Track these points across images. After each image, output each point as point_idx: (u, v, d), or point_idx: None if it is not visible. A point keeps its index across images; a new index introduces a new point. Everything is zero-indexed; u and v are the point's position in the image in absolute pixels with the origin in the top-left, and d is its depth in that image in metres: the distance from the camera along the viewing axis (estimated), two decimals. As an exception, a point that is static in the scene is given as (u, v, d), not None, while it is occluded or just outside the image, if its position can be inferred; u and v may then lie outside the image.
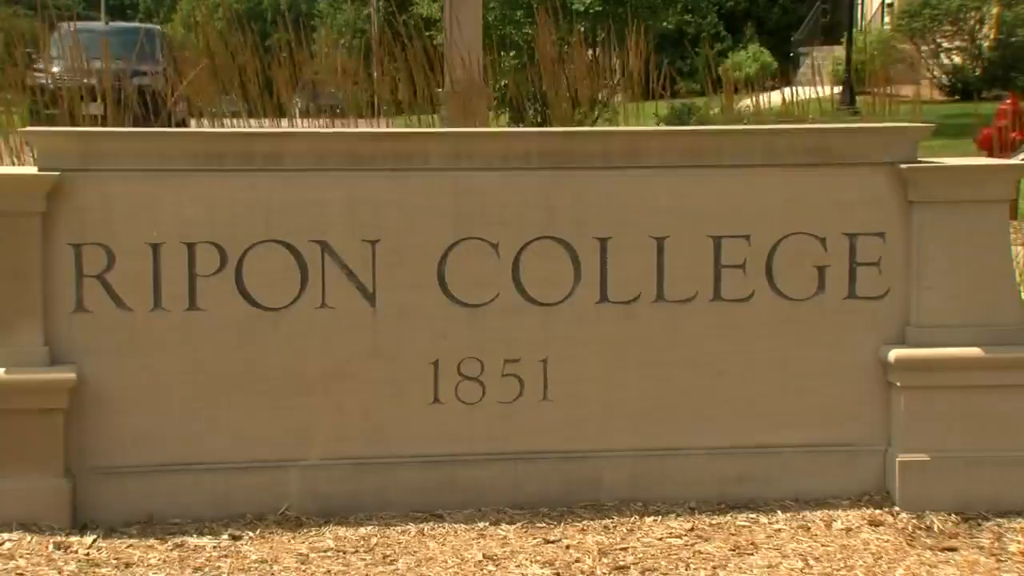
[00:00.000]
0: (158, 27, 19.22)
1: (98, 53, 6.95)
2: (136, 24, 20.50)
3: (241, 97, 7.08)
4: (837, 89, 21.81)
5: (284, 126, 7.01)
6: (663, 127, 8.88)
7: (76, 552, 3.82)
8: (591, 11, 21.06)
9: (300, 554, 3.85)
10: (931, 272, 4.23)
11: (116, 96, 6.53)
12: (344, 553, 3.86)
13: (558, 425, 4.22)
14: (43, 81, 6.97)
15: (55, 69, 7.40)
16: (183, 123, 8.44)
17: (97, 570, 3.72)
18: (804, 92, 8.35)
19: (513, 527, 4.05)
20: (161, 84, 7.77)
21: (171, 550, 3.86)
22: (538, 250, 4.18)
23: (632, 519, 4.12)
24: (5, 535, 3.88)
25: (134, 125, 6.56)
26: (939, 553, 3.90)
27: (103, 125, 6.07)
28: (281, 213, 4.10)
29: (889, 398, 4.28)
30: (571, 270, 4.20)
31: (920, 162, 4.28)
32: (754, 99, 7.50)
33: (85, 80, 6.71)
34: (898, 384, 4.23)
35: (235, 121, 7.18)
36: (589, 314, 4.21)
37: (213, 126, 6.88)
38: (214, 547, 3.89)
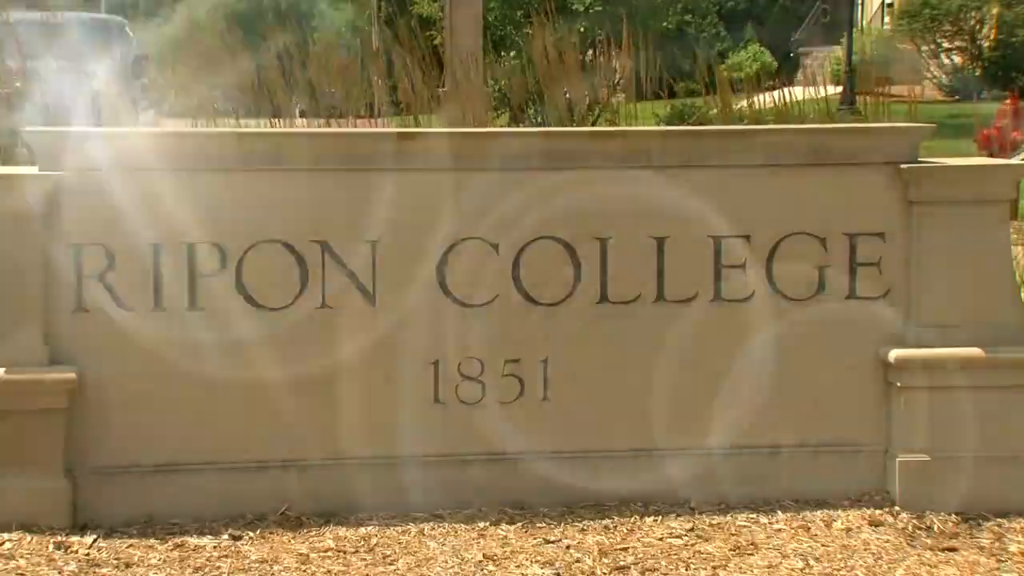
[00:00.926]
0: (122, 19, 17.46)
1: (36, 50, 6.55)
2: (93, 15, 17.16)
3: (237, 95, 7.07)
4: (837, 89, 21.81)
5: (280, 126, 7.01)
6: (663, 127, 8.88)
7: (76, 552, 3.81)
8: (591, 11, 21.05)
9: (300, 554, 3.84)
10: (931, 272, 4.23)
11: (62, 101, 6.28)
12: (344, 553, 3.86)
13: (558, 425, 4.22)
14: None
15: None
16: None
17: (97, 570, 3.71)
18: (803, 92, 8.36)
19: (513, 527, 4.05)
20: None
21: (171, 550, 3.86)
22: (538, 250, 4.18)
23: (632, 519, 4.11)
24: (5, 535, 3.87)
25: None
26: (939, 553, 3.90)
27: None
28: (281, 213, 4.09)
29: (889, 398, 4.28)
30: (571, 270, 4.20)
31: (920, 162, 4.28)
32: (750, 100, 7.52)
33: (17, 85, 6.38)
34: (898, 384, 4.23)
35: (229, 121, 7.18)
36: (589, 314, 4.21)
37: (207, 125, 6.87)
38: (214, 547, 3.89)
